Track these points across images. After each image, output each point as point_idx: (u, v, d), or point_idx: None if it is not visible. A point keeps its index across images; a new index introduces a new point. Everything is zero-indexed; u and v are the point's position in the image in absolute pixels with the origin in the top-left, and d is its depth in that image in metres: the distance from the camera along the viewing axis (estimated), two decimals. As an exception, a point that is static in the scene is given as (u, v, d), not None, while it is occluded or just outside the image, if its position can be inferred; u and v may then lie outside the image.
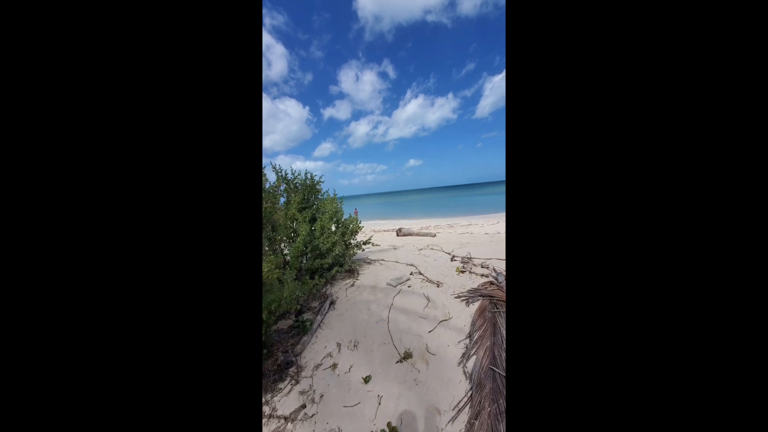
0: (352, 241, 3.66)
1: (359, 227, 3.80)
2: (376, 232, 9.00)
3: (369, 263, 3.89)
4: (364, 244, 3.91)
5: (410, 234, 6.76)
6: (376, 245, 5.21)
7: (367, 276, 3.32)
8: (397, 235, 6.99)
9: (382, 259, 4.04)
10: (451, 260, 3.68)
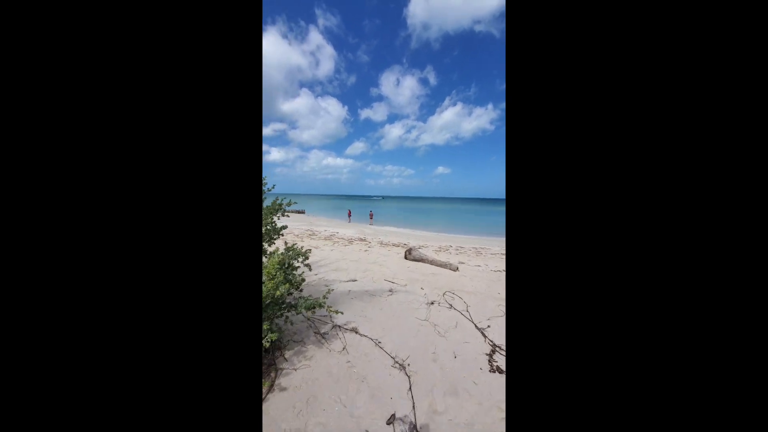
0: (295, 270, 1.86)
1: (279, 208, 2.02)
2: (382, 245, 7.20)
3: (321, 340, 1.91)
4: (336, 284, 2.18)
5: (423, 260, 4.85)
6: (353, 280, 3.40)
7: (295, 390, 1.44)
8: (405, 258, 5.11)
9: (355, 329, 2.10)
10: (490, 354, 1.75)
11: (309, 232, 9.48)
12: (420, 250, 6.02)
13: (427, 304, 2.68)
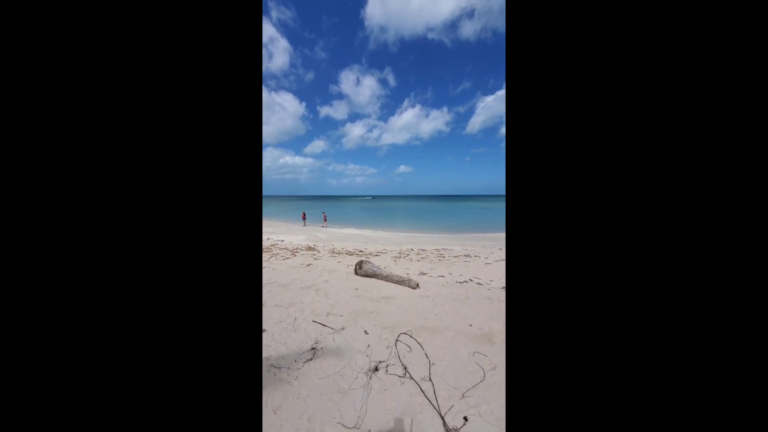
0: None
1: None
2: (333, 253, 6.01)
3: None
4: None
5: (376, 275, 3.85)
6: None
7: None
8: (356, 272, 4.06)
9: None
10: None
11: (245, 243, 7.73)
12: (373, 261, 5.03)
13: (368, 371, 1.65)
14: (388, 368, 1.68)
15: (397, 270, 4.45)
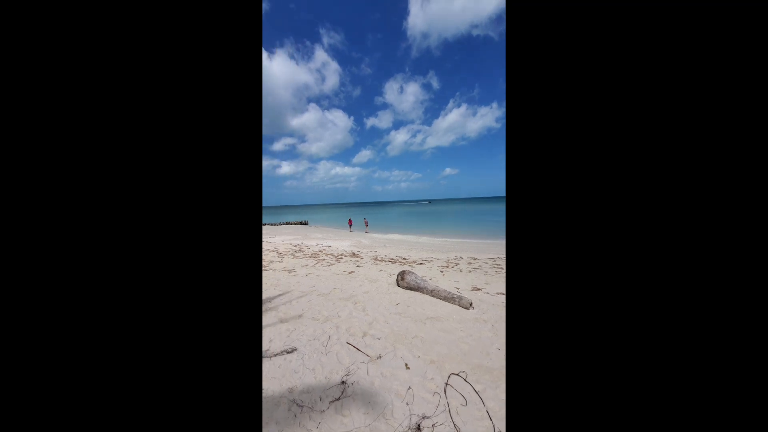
0: None
1: None
2: (376, 261, 5.80)
3: None
4: None
5: (420, 289, 3.41)
6: (288, 351, 2.03)
7: None
8: (398, 284, 3.70)
9: None
10: None
11: (297, 248, 8.23)
12: (417, 271, 4.57)
13: (408, 431, 1.24)
14: (435, 429, 1.24)
15: (445, 283, 3.90)
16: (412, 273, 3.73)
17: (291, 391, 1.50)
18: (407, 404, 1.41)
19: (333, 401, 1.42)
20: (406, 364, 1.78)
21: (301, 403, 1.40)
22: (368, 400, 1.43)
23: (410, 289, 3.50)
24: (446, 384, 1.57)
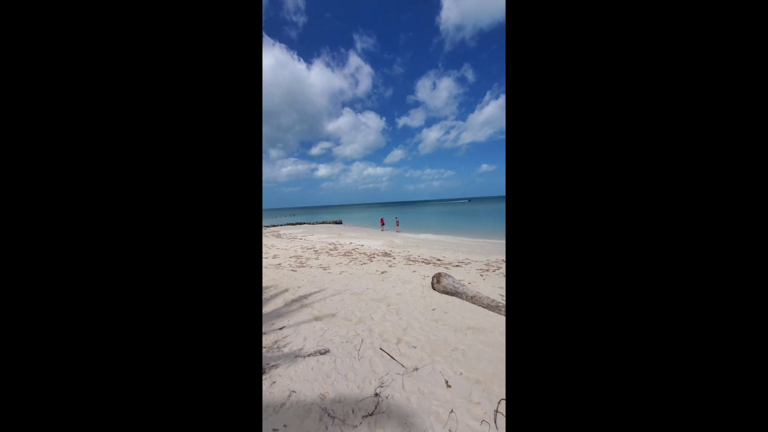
0: None
1: None
2: (408, 261, 5.62)
3: None
4: None
5: (458, 294, 3.12)
6: (320, 352, 1.97)
7: None
8: (433, 287, 3.47)
9: None
10: None
11: (331, 246, 8.51)
12: (454, 274, 4.24)
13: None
14: (487, 470, 1.03)
15: (487, 289, 3.54)
16: (449, 276, 3.46)
17: (323, 398, 1.43)
18: (450, 422, 1.22)
19: (366, 416, 1.30)
20: (447, 382, 1.58)
21: (333, 413, 1.31)
22: (404, 420, 1.27)
23: (447, 293, 3.25)
24: (496, 411, 1.33)
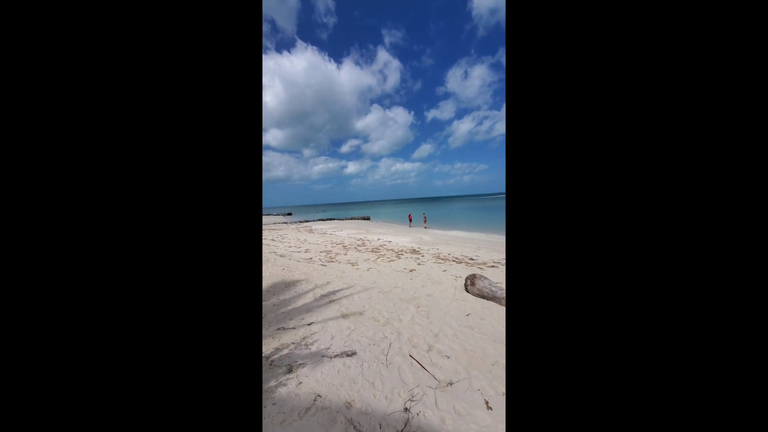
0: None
1: None
2: (438, 259, 5.36)
3: None
4: None
5: (496, 299, 2.82)
6: (348, 354, 1.85)
7: None
8: (466, 289, 3.21)
9: None
10: None
11: (360, 242, 8.58)
12: (489, 276, 3.88)
13: None
14: None
15: (529, 294, 3.15)
16: (485, 278, 3.16)
17: (348, 406, 1.34)
18: (494, 468, 1.03)
19: (394, 434, 1.17)
20: (487, 403, 1.37)
21: (359, 426, 1.21)
22: (439, 446, 1.12)
23: (483, 297, 2.96)
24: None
